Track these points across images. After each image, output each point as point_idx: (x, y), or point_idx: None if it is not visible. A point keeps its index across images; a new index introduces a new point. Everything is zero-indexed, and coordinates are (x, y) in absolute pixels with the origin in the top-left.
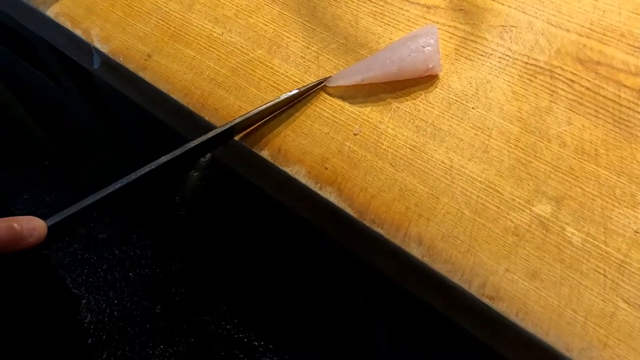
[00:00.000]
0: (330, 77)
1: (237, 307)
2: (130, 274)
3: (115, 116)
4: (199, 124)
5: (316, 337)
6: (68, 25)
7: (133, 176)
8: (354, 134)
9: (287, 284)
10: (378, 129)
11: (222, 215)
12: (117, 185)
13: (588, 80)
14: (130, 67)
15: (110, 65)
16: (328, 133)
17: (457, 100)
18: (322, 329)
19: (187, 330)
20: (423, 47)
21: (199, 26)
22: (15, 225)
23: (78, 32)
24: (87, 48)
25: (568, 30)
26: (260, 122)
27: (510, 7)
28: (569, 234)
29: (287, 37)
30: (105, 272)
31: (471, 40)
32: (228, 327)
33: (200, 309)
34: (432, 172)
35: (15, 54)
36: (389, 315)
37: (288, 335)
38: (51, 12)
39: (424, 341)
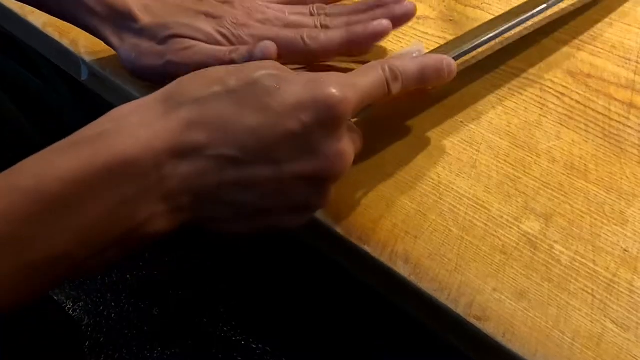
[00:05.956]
0: None
1: (236, 309)
2: (128, 276)
3: None
4: None
5: (314, 340)
6: (56, 35)
7: None
8: None
9: (286, 286)
10: (365, 144)
11: None
12: None
13: (578, 94)
14: (119, 80)
15: (99, 76)
16: None
17: (445, 114)
18: (321, 332)
19: (184, 332)
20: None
21: None
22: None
23: (65, 42)
24: (75, 59)
25: (559, 42)
26: None
27: None
28: (557, 253)
29: None
30: (102, 274)
31: None
32: (226, 329)
33: (198, 311)
34: (420, 188)
35: (9, 59)
36: (387, 322)
37: (286, 338)
38: (39, 22)
39: (423, 348)
